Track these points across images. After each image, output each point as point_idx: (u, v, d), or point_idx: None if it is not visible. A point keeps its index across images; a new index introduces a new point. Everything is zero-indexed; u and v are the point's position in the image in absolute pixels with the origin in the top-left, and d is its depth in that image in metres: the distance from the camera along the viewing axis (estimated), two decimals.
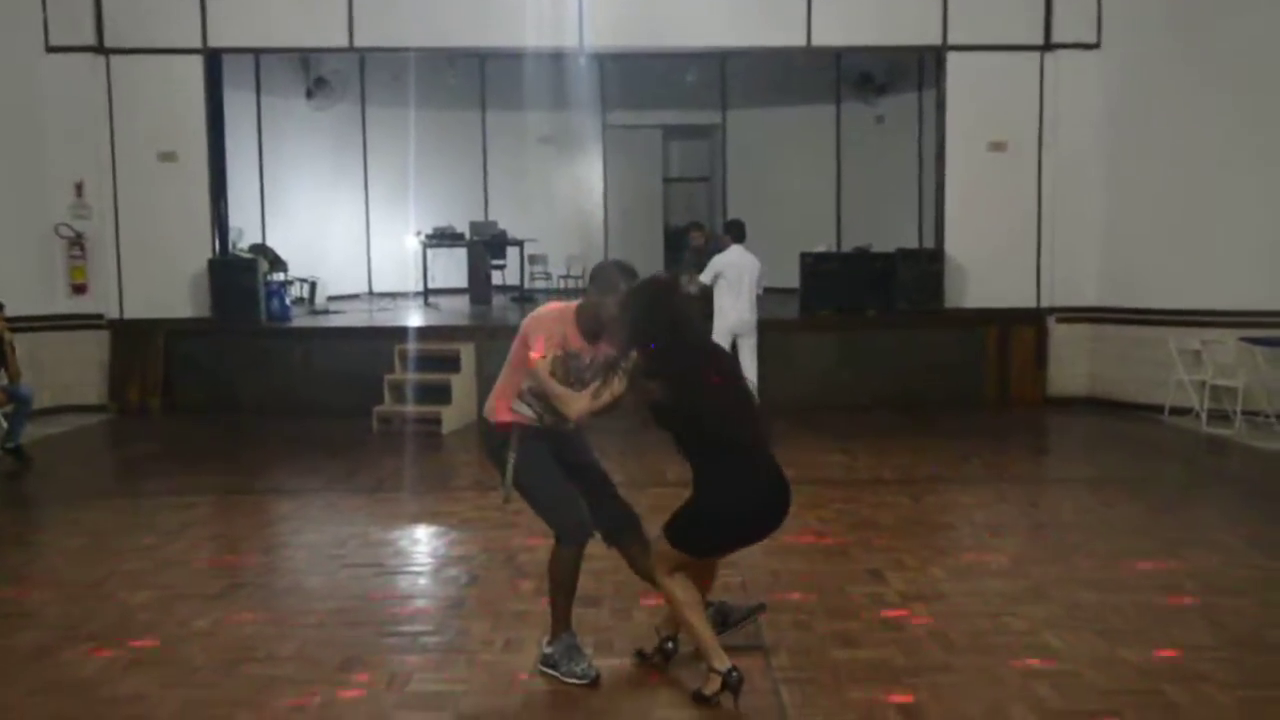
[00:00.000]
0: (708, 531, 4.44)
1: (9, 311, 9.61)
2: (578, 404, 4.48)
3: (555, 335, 4.58)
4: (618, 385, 4.39)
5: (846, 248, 14.77)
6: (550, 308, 4.72)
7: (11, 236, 11.72)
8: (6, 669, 4.82)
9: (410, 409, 10.86)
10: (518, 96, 16.29)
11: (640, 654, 4.77)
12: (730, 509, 4.39)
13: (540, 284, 16.89)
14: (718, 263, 10.75)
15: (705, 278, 10.75)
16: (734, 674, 4.29)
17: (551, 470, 4.69)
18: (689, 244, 12.62)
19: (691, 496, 4.45)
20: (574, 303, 4.71)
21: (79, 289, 12.15)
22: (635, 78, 16.38)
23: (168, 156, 12.15)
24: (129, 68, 12.06)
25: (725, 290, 10.68)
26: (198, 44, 12.10)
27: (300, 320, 13.24)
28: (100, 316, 12.19)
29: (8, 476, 9.05)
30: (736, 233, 11.01)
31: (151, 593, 5.85)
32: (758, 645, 4.88)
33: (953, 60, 12.25)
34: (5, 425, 9.41)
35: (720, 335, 10.92)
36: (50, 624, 5.38)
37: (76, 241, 12.09)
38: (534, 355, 4.53)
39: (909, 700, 4.36)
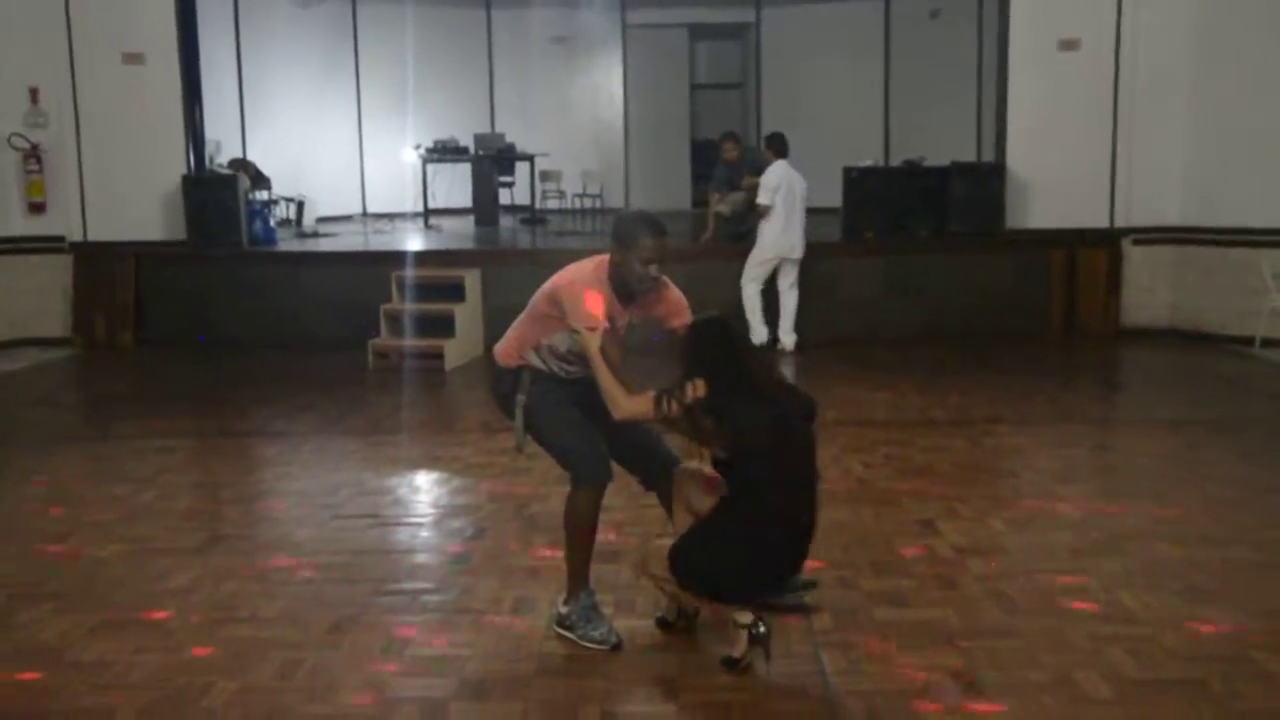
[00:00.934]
0: (710, 582, 4.35)
1: None
2: (631, 406, 4.39)
3: (605, 298, 4.48)
4: (676, 407, 4.30)
5: (895, 162, 14.61)
6: (585, 266, 4.61)
7: None
8: None
9: (409, 343, 10.84)
10: None
11: (662, 621, 4.73)
12: (748, 576, 4.33)
13: (553, 203, 16.80)
14: (771, 180, 10.73)
15: (763, 199, 10.74)
16: (759, 628, 4.26)
17: (566, 409, 4.64)
18: (721, 157, 12.49)
19: (710, 533, 4.35)
20: (600, 259, 4.61)
21: (36, 208, 12.15)
22: None
23: (134, 59, 12.06)
24: None
25: (777, 211, 10.68)
26: None
27: (286, 244, 13.22)
28: (61, 239, 12.19)
29: None
30: (780, 146, 10.99)
31: (122, 547, 5.85)
32: (795, 606, 4.83)
33: None
34: None
35: (763, 261, 10.88)
36: (8, 582, 5.38)
37: (32, 154, 12.06)
38: (591, 323, 4.40)
39: (964, 667, 4.31)
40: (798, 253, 10.89)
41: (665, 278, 4.61)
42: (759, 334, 10.97)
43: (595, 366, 4.41)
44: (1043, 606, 4.90)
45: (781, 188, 10.73)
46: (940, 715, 3.98)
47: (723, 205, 11.99)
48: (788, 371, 10.35)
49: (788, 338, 11.00)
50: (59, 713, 4.09)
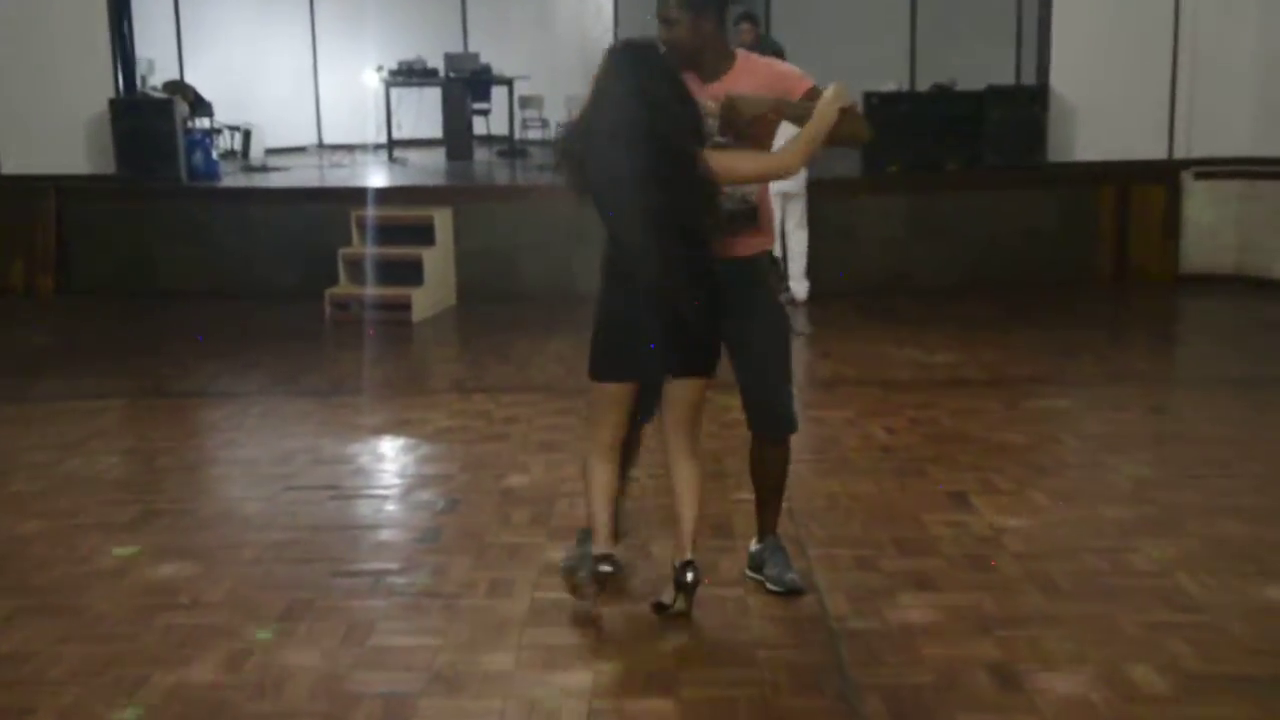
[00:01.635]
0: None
1: None
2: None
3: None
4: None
5: (922, 85, 14.53)
6: None
7: None
8: None
9: (371, 291, 10.82)
10: None
11: (659, 605, 4.72)
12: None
13: (534, 133, 16.73)
14: None
15: None
16: (688, 572, 4.55)
17: None
18: (736, 42, 12.49)
19: None
20: None
21: None
22: None
23: None
24: None
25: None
26: None
27: (231, 179, 13.21)
28: None
29: None
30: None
31: (43, 522, 5.85)
32: (798, 589, 4.82)
33: None
34: None
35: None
36: None
37: None
38: None
39: (1002, 658, 4.30)
40: (789, 187, 10.76)
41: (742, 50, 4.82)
42: (796, 290, 10.90)
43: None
44: (1090, 591, 4.89)
45: None
46: (974, 713, 3.97)
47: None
48: (801, 325, 10.33)
49: (798, 285, 10.96)
50: None
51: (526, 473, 6.43)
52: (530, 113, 16.75)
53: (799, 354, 9.82)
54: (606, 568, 4.58)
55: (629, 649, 4.45)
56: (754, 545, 5.07)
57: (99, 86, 12.15)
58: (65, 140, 12.12)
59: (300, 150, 16.43)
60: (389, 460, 7.03)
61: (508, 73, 15.92)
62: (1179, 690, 4.08)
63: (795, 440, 5.89)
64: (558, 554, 5.28)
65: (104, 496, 6.32)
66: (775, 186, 10.63)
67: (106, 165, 12.12)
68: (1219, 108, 11.83)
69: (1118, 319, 10.78)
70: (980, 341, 9.51)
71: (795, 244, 10.97)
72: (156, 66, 14.23)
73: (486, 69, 15.79)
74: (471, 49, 16.66)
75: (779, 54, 11.24)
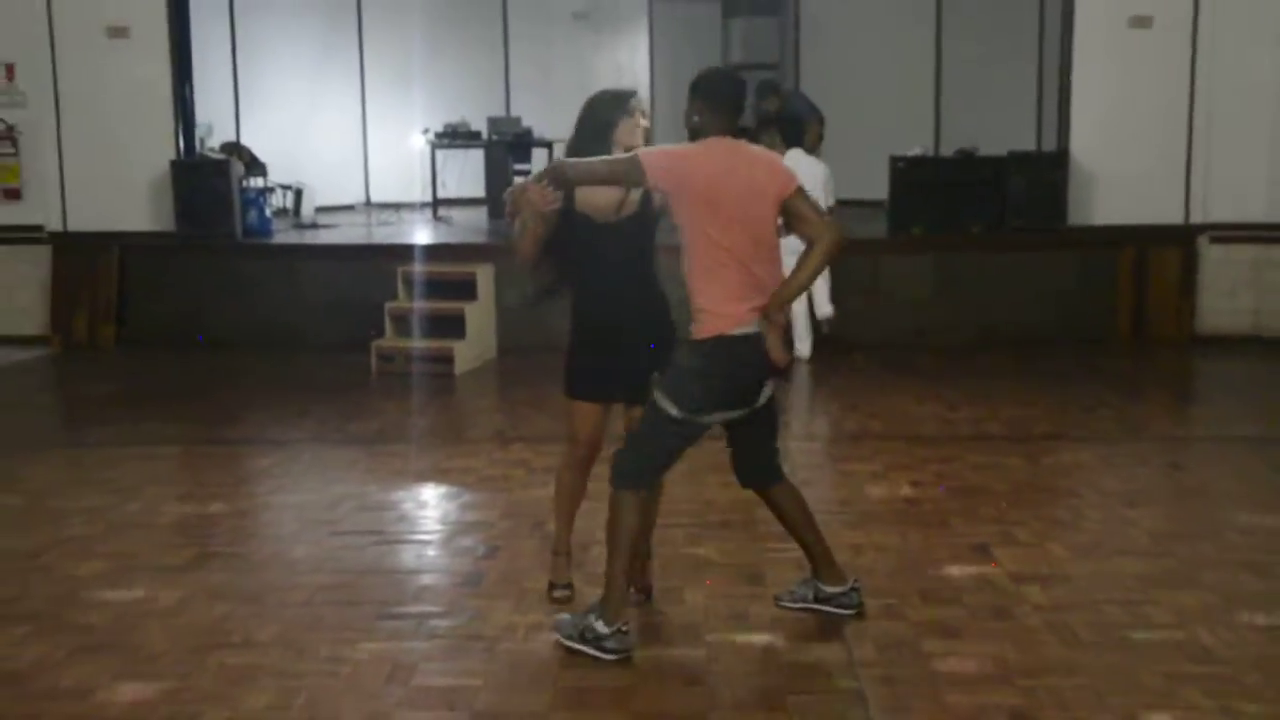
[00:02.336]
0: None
1: None
2: None
3: None
4: None
5: (946, 150, 14.55)
6: None
7: None
8: None
9: (416, 344, 10.85)
10: None
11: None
12: None
13: None
14: None
15: None
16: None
17: None
18: (762, 111, 12.58)
19: None
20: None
21: (11, 194, 12.26)
22: None
23: (118, 32, 12.11)
24: None
25: None
26: None
27: (283, 235, 13.27)
28: (39, 228, 12.28)
29: None
30: (792, 135, 10.97)
31: (102, 563, 5.88)
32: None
33: None
34: None
35: (785, 255, 10.83)
36: None
37: (7, 136, 12.17)
38: None
39: (1023, 706, 4.28)
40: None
41: None
42: (799, 347, 10.87)
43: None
44: (1110, 641, 4.86)
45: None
46: None
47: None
48: (828, 380, 10.32)
49: (804, 345, 10.80)
50: None
51: None
52: None
53: (827, 408, 9.83)
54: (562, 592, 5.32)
55: (660, 694, 4.44)
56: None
57: (161, 148, 12.24)
58: (129, 199, 12.20)
59: (349, 208, 16.49)
60: (431, 507, 7.04)
61: (548, 135, 15.96)
62: None
63: (822, 492, 5.89)
64: (596, 594, 5.28)
65: (160, 540, 6.35)
66: (795, 247, 10.69)
67: (167, 222, 12.19)
68: (1234, 175, 11.79)
69: (1135, 377, 10.72)
70: (1001, 398, 9.47)
71: (820, 304, 10.88)
72: (215, 129, 14.35)
73: (528, 132, 15.86)
74: (514, 112, 16.74)
75: (797, 121, 11.27)
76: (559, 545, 5.41)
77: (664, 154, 4.81)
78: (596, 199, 5.05)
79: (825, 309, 10.94)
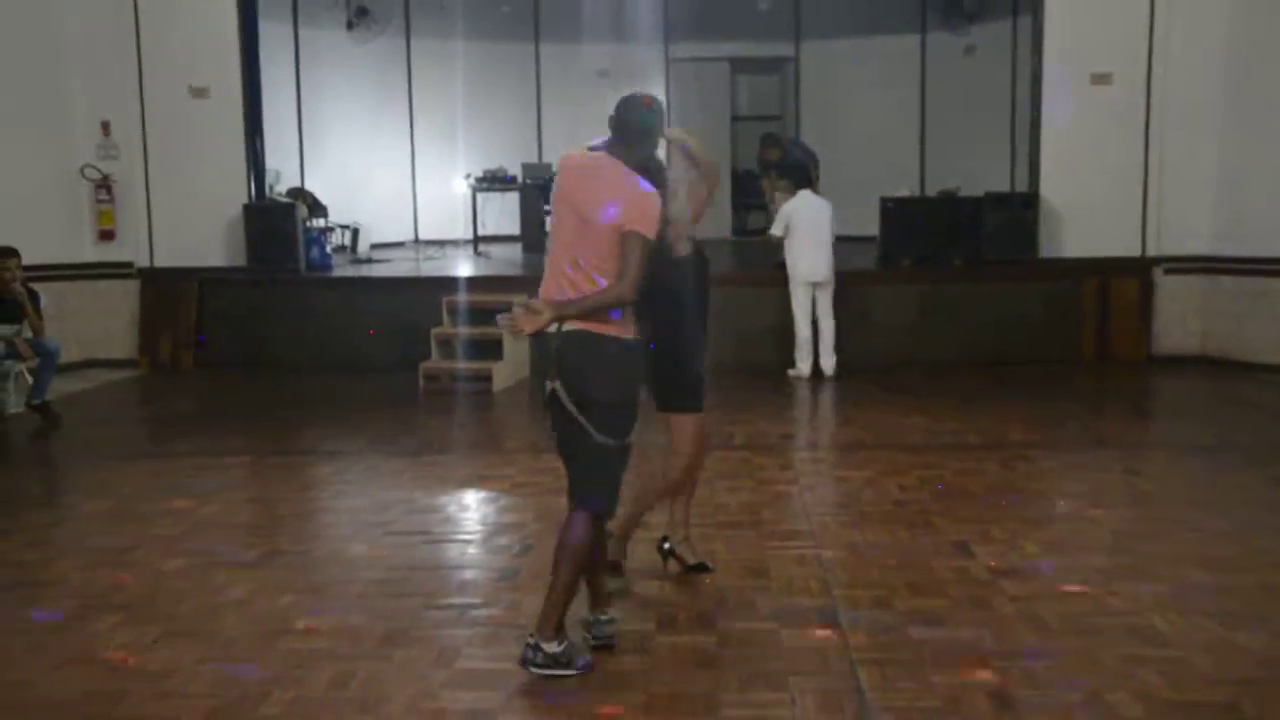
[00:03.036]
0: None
1: (30, 259, 9.71)
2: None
3: None
4: None
5: (930, 191, 14.57)
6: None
7: (35, 179, 11.81)
8: (30, 641, 4.88)
9: (459, 365, 10.89)
10: (574, 27, 16.18)
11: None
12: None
13: None
14: (786, 212, 10.82)
15: (776, 230, 10.84)
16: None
17: None
18: (764, 160, 12.63)
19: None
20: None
21: (106, 235, 12.30)
22: (701, 5, 16.18)
23: (200, 92, 12.18)
24: None
25: (797, 239, 10.74)
26: None
27: (341, 269, 13.31)
28: (130, 265, 12.32)
29: (34, 435, 9.20)
30: (800, 178, 11.06)
31: (183, 560, 5.90)
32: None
33: None
34: (31, 380, 9.56)
35: (794, 286, 10.87)
36: (76, 593, 5.44)
37: (103, 184, 12.22)
38: None
39: (999, 685, 4.28)
40: (819, 277, 10.82)
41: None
42: (800, 366, 10.92)
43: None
44: (1075, 628, 4.85)
45: (797, 218, 10.76)
46: None
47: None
48: (826, 397, 10.33)
49: (826, 361, 10.91)
50: (124, 719, 4.13)
51: None
52: None
53: (825, 422, 9.84)
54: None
55: (675, 675, 4.44)
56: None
57: (235, 194, 12.30)
58: (207, 238, 12.26)
59: (400, 245, 16.54)
60: (472, 510, 7.05)
61: None
62: (1151, 715, 4.05)
63: (822, 495, 5.86)
64: (617, 590, 5.31)
65: (234, 538, 6.37)
66: (799, 277, 10.75)
67: (239, 259, 12.25)
68: (1184, 214, 11.76)
69: (1098, 393, 10.69)
70: (979, 411, 9.44)
71: (823, 329, 10.89)
72: (282, 176, 14.42)
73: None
74: (545, 160, 16.77)
75: (803, 167, 11.37)
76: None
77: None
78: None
79: (828, 360, 10.92)
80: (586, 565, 4.57)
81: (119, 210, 12.27)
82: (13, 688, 4.40)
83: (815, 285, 10.83)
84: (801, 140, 14.50)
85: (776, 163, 12.65)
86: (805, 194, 10.97)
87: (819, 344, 10.92)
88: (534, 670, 4.37)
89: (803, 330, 10.94)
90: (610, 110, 4.60)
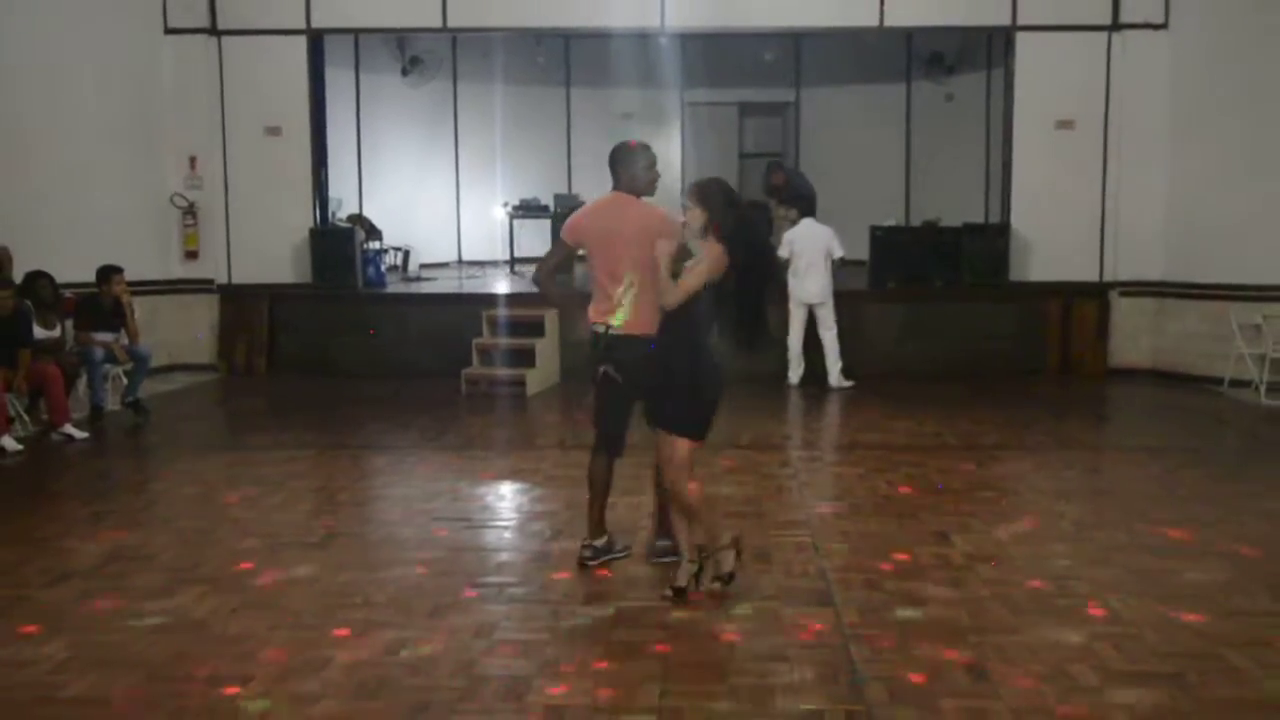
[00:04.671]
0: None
1: (127, 275, 9.82)
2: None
3: None
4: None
5: (915, 222, 14.54)
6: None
7: (132, 206, 11.91)
8: (129, 607, 4.91)
9: (497, 371, 10.90)
10: (601, 74, 16.23)
11: (677, 591, 4.95)
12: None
13: None
14: (788, 238, 10.82)
15: (782, 253, 10.76)
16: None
17: None
18: (769, 184, 12.65)
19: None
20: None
21: (191, 255, 12.36)
22: (714, 56, 16.19)
23: (273, 131, 12.25)
24: (239, 48, 12.19)
25: (796, 264, 10.73)
26: (302, 25, 12.18)
27: (394, 287, 13.34)
28: (211, 281, 12.38)
29: (129, 430, 9.26)
30: (806, 207, 11.06)
31: (257, 540, 5.93)
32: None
33: (1022, 40, 11.96)
34: (125, 381, 9.64)
35: (792, 304, 10.86)
36: (167, 567, 5.47)
37: (190, 211, 12.29)
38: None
39: (975, 659, 4.27)
40: (813, 299, 10.77)
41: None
42: (791, 375, 10.91)
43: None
44: (1042, 608, 4.85)
45: (798, 244, 10.75)
46: (953, 699, 3.94)
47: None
48: (822, 403, 10.31)
49: (833, 377, 10.81)
50: (206, 677, 4.15)
51: (612, 510, 6.37)
52: None
53: (821, 424, 9.82)
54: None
55: (691, 648, 4.45)
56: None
57: (303, 219, 12.34)
58: (278, 258, 12.31)
59: (445, 265, 16.58)
60: (508, 499, 7.04)
61: None
62: (1107, 684, 4.06)
63: (821, 491, 5.77)
64: (639, 571, 5.31)
65: (299, 522, 6.38)
66: (804, 297, 10.69)
67: (305, 276, 12.29)
68: (1137, 244, 11.77)
69: (1062, 401, 10.65)
70: (957, 416, 9.43)
71: (825, 345, 10.86)
72: (344, 204, 14.46)
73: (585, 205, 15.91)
74: (574, 190, 16.79)
75: (808, 197, 11.35)
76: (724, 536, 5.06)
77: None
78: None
79: (832, 372, 10.87)
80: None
81: (202, 233, 12.33)
82: (113, 648, 4.43)
83: (812, 306, 10.83)
84: (801, 171, 14.49)
85: (781, 186, 12.66)
86: (807, 222, 10.96)
87: (826, 361, 10.86)
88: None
89: (793, 346, 10.93)
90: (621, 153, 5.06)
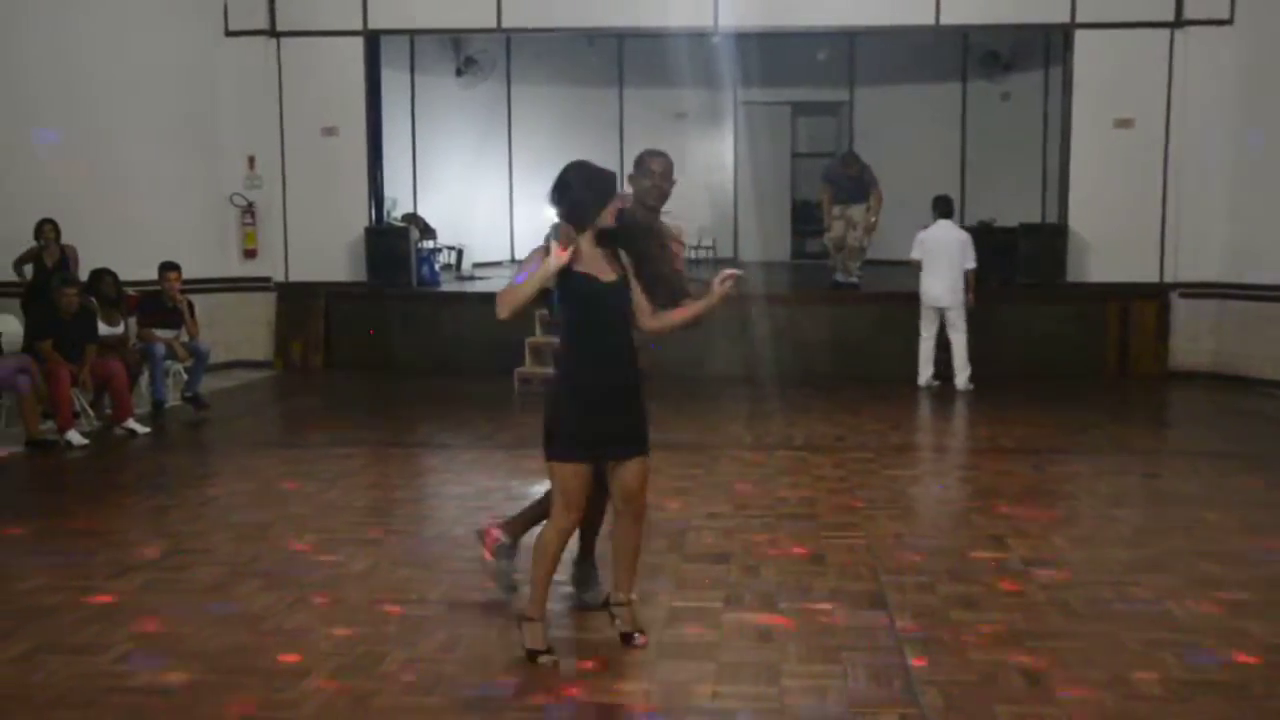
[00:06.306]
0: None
1: (186, 273, 10.00)
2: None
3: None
4: None
5: (970, 222, 14.38)
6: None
7: (192, 205, 12.11)
8: (188, 601, 4.99)
9: (550, 370, 10.87)
10: (654, 74, 16.22)
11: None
12: None
13: None
14: (921, 237, 10.68)
15: (913, 254, 10.64)
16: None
17: None
18: (844, 174, 12.54)
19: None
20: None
21: (250, 254, 12.53)
22: (767, 56, 16.13)
23: (330, 132, 12.36)
24: (297, 49, 12.33)
25: (926, 265, 10.56)
26: (359, 26, 12.29)
27: (448, 285, 13.41)
28: (268, 279, 12.53)
29: (188, 425, 9.40)
30: (942, 208, 10.85)
31: (314, 535, 5.98)
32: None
33: (1080, 38, 11.80)
34: (185, 377, 9.79)
35: (923, 309, 10.70)
36: (225, 562, 5.54)
37: (248, 210, 12.46)
38: None
39: (1032, 664, 4.22)
40: (944, 302, 10.59)
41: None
42: (920, 377, 10.76)
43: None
44: (1100, 613, 4.79)
45: (929, 245, 10.61)
46: (1009, 705, 3.90)
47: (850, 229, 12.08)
48: (872, 404, 10.21)
49: (960, 380, 10.65)
50: (264, 670, 4.21)
51: (663, 510, 6.39)
52: None
53: (875, 426, 9.74)
54: None
55: (741, 648, 4.44)
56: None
57: (358, 219, 12.47)
58: (334, 257, 12.41)
59: (498, 264, 16.65)
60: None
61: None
62: (1169, 693, 3.99)
63: (873, 494, 5.70)
64: (691, 569, 5.30)
65: (355, 519, 6.43)
66: (932, 300, 10.47)
67: (361, 275, 12.40)
68: (1198, 244, 11.56)
69: (1120, 404, 10.50)
70: (1012, 419, 9.32)
71: (954, 345, 10.70)
72: (398, 203, 14.56)
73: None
74: (627, 189, 16.79)
75: (942, 198, 11.02)
76: (535, 610, 4.30)
77: None
78: (600, 261, 4.36)
79: (960, 375, 10.71)
80: None
81: (261, 232, 12.49)
82: (173, 639, 4.50)
83: (943, 310, 10.66)
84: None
85: (856, 176, 12.54)
86: (943, 224, 10.73)
87: (953, 361, 10.71)
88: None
89: (922, 346, 10.78)
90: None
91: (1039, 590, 5.07)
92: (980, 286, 10.85)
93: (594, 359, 4.35)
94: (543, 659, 4.24)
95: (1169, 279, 11.74)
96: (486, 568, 4.92)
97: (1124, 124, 11.75)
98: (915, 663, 4.26)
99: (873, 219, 12.32)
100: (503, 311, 4.38)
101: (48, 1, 11.23)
